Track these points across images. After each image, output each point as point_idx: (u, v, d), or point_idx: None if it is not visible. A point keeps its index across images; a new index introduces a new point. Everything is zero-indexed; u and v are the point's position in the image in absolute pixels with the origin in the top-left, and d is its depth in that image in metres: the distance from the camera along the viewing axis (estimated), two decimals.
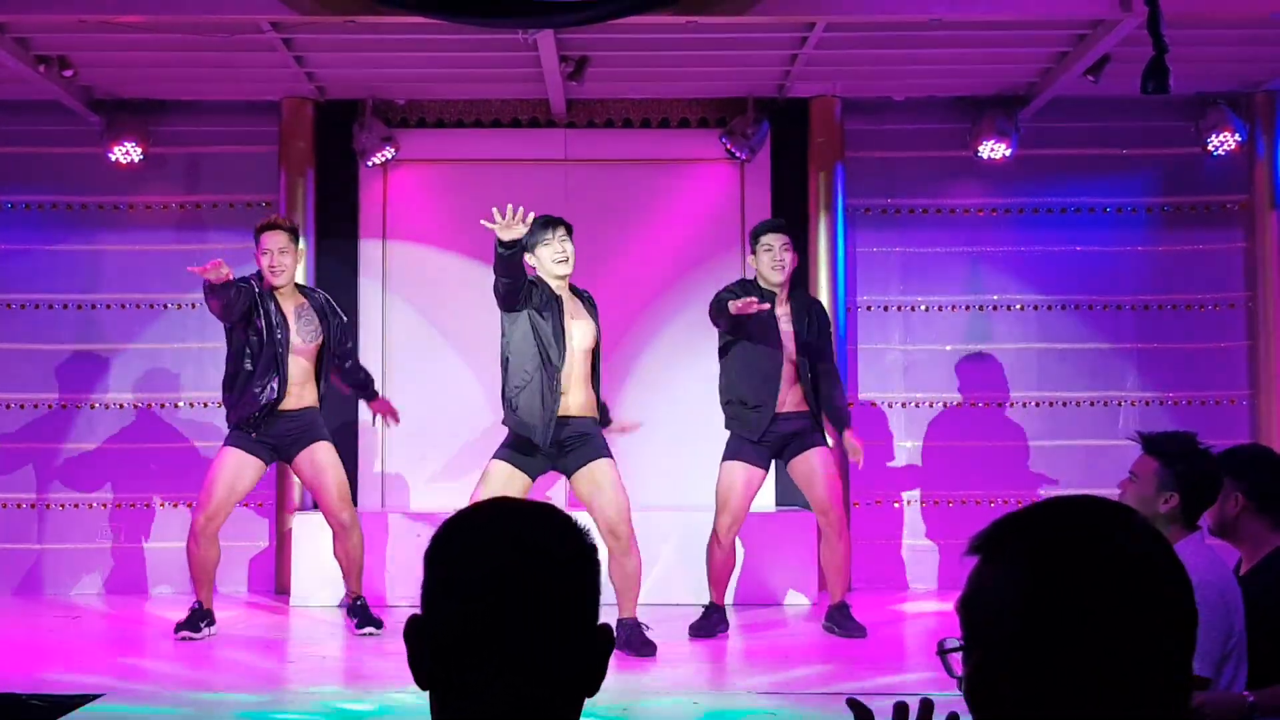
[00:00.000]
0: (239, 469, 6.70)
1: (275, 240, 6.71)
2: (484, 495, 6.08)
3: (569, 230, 6.34)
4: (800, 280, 7.63)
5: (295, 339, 6.76)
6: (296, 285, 6.94)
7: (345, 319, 7.08)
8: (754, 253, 6.84)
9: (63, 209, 8.47)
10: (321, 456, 6.81)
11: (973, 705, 1.53)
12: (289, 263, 6.74)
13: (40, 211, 8.47)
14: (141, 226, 8.48)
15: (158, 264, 8.42)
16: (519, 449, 6.28)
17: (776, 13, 6.85)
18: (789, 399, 6.77)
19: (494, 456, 6.34)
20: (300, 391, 6.80)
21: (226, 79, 8.04)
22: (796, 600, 7.68)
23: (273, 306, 6.71)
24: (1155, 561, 1.51)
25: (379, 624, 6.81)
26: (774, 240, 6.79)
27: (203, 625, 6.69)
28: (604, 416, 6.51)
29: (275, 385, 6.67)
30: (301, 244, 7.04)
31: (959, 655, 1.55)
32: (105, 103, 8.22)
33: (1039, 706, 1.47)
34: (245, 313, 6.62)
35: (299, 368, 6.79)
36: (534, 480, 6.34)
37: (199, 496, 6.79)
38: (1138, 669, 1.47)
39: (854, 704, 1.82)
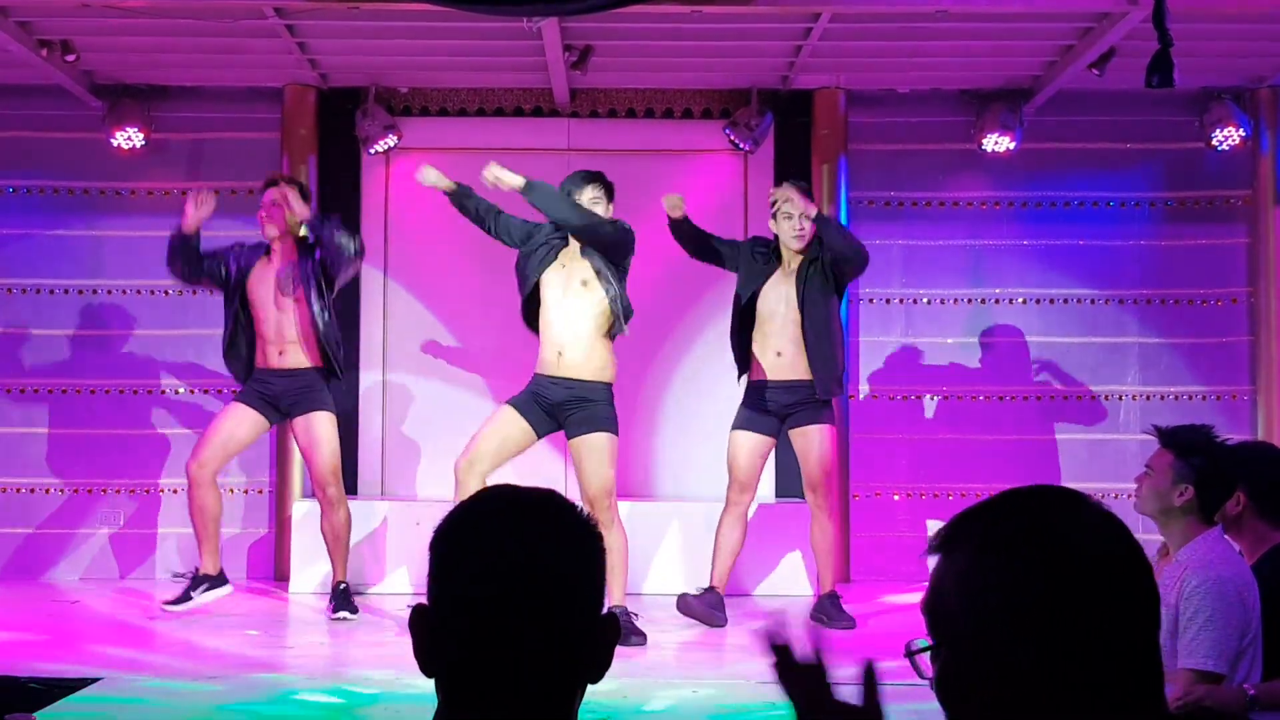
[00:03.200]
0: (238, 420, 6.80)
1: (270, 194, 6.87)
2: (482, 430, 6.35)
3: (605, 190, 6.44)
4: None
5: (266, 295, 6.82)
6: (296, 241, 6.93)
7: (331, 222, 6.82)
8: (774, 217, 6.87)
9: (64, 194, 8.47)
10: (318, 427, 6.82)
11: (945, 705, 1.52)
12: (280, 215, 6.83)
13: (42, 196, 8.46)
14: (143, 212, 8.47)
15: (159, 249, 8.31)
16: (526, 400, 6.41)
17: (781, 3, 6.84)
18: (789, 367, 6.78)
19: (507, 401, 6.49)
20: (292, 350, 6.81)
21: (229, 65, 8.03)
22: (794, 591, 7.68)
23: (233, 266, 6.88)
24: (1105, 548, 1.49)
25: (355, 609, 6.84)
26: (794, 208, 6.78)
27: (195, 593, 6.73)
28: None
29: (242, 342, 6.87)
30: (301, 198, 6.90)
31: (928, 656, 1.54)
32: (107, 88, 8.21)
33: (1007, 705, 1.46)
34: (209, 277, 6.92)
35: (275, 325, 6.81)
36: (539, 437, 6.45)
37: (195, 444, 6.92)
38: (1098, 658, 1.44)
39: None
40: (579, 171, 6.54)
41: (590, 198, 6.39)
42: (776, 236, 6.91)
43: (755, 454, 6.85)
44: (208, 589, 6.75)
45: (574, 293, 6.39)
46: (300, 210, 6.73)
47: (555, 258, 6.45)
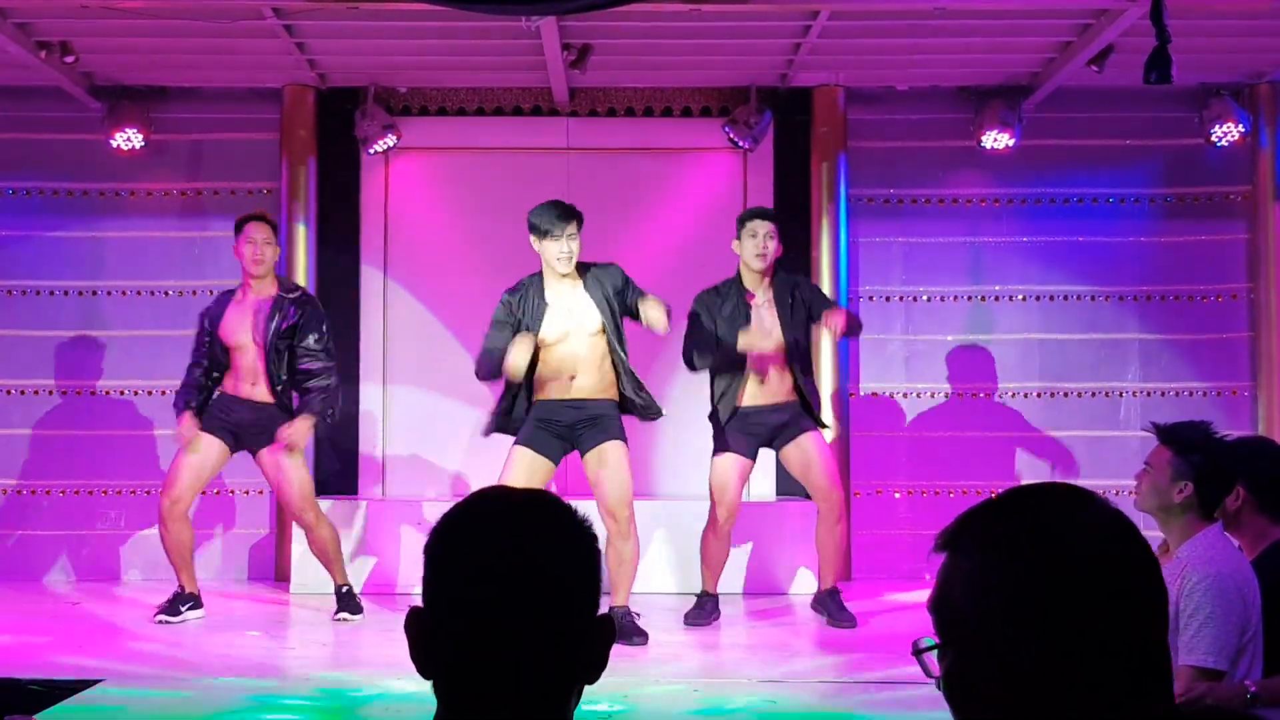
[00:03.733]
0: (205, 453, 6.79)
1: (260, 231, 6.83)
2: (508, 482, 6.18)
3: (579, 225, 6.33)
4: (800, 269, 7.63)
5: (243, 334, 6.81)
6: (277, 279, 6.96)
7: (315, 318, 6.83)
8: (739, 237, 6.80)
9: (64, 195, 8.47)
10: (284, 457, 6.81)
11: (952, 705, 1.51)
12: (270, 255, 6.84)
13: (42, 198, 8.47)
14: (143, 213, 8.47)
15: (159, 251, 8.42)
16: (536, 433, 6.35)
17: (780, 1, 6.84)
18: (774, 389, 6.74)
19: (515, 442, 6.39)
20: (253, 384, 6.81)
21: (228, 66, 8.03)
22: (794, 590, 7.68)
23: (208, 327, 6.88)
24: (1102, 547, 1.48)
25: (357, 610, 6.87)
26: (759, 227, 6.74)
27: (183, 609, 6.75)
28: (649, 408, 6.46)
29: (201, 372, 6.87)
30: (272, 233, 6.95)
31: (934, 655, 1.53)
32: (107, 89, 8.21)
33: (1012, 705, 1.45)
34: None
35: (250, 361, 6.80)
36: (556, 463, 6.41)
37: (165, 480, 6.86)
38: (1096, 658, 1.44)
39: None
40: (552, 206, 6.30)
41: (569, 234, 6.28)
42: (737, 275, 6.81)
43: (743, 478, 6.80)
44: (191, 608, 6.79)
45: (582, 332, 6.35)
46: (304, 437, 6.84)
47: (547, 304, 6.37)
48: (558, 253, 6.29)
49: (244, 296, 6.89)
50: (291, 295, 6.91)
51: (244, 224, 6.86)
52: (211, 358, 6.89)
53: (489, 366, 6.33)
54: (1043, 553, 1.47)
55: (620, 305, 6.39)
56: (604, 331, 6.35)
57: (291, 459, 6.83)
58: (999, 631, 1.46)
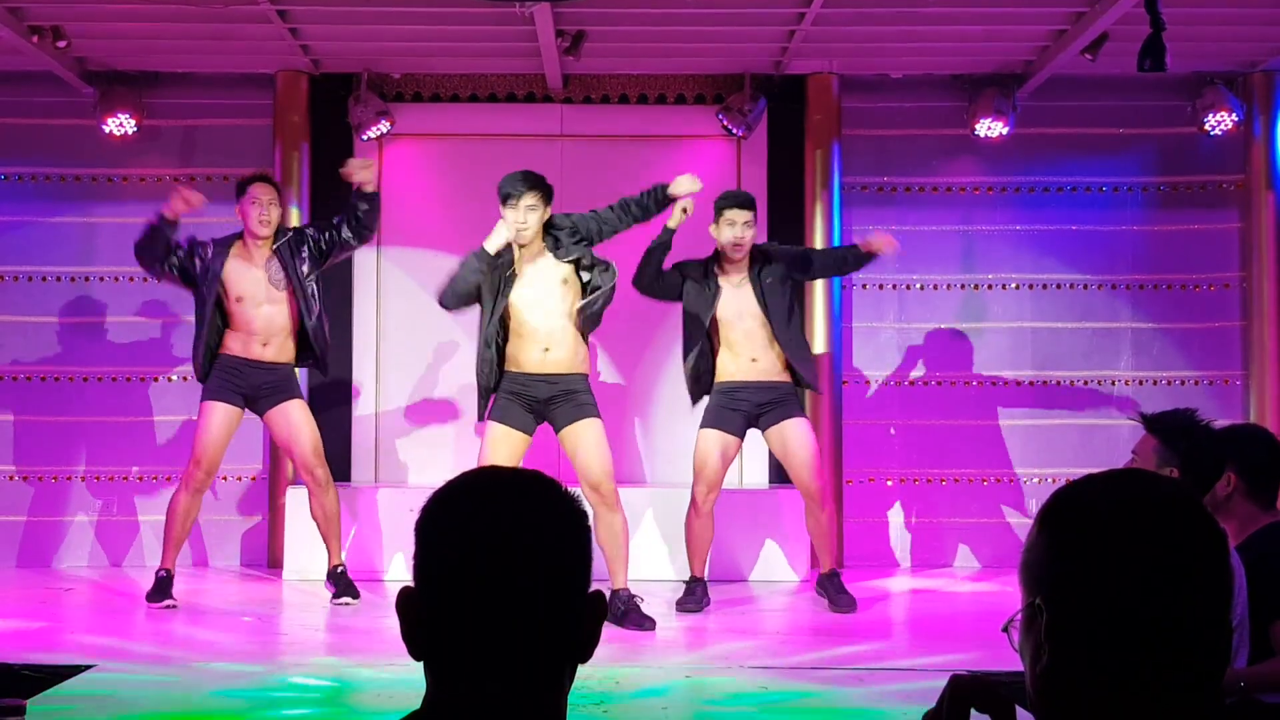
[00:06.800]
0: (226, 420, 6.81)
1: (266, 191, 6.87)
2: (486, 457, 6.29)
3: (542, 197, 6.25)
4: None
5: (257, 290, 6.82)
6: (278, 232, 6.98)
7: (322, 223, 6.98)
8: (716, 223, 6.74)
9: (56, 181, 8.45)
10: (296, 414, 6.87)
11: (1042, 690, 1.53)
12: (276, 215, 6.88)
13: (33, 183, 8.45)
14: (135, 199, 8.44)
15: None
16: (507, 407, 6.37)
17: None
18: (762, 368, 6.74)
19: (488, 418, 6.43)
20: (277, 344, 6.84)
21: (221, 51, 8.01)
22: (786, 576, 7.70)
23: (204, 261, 6.81)
24: (1182, 538, 1.51)
25: (356, 594, 6.87)
26: (738, 215, 6.70)
27: (171, 590, 6.74)
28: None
29: (206, 334, 6.80)
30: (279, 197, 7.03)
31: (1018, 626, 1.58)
32: (99, 74, 8.19)
33: (1083, 684, 1.49)
34: (179, 270, 6.84)
35: (266, 319, 6.82)
36: (531, 435, 6.44)
37: (193, 450, 6.83)
38: (1167, 647, 1.48)
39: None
40: (518, 173, 6.30)
41: (527, 204, 6.23)
42: (715, 254, 6.79)
43: (726, 454, 6.79)
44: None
45: (552, 292, 6.35)
46: (372, 177, 6.93)
47: (516, 274, 6.34)
48: (514, 221, 6.23)
49: (248, 254, 6.87)
50: (288, 233, 6.94)
51: (248, 185, 6.88)
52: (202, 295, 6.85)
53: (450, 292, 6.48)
54: (1071, 531, 1.51)
55: (589, 271, 6.37)
56: (571, 310, 6.36)
57: (305, 417, 6.84)
58: (1069, 608, 1.50)
